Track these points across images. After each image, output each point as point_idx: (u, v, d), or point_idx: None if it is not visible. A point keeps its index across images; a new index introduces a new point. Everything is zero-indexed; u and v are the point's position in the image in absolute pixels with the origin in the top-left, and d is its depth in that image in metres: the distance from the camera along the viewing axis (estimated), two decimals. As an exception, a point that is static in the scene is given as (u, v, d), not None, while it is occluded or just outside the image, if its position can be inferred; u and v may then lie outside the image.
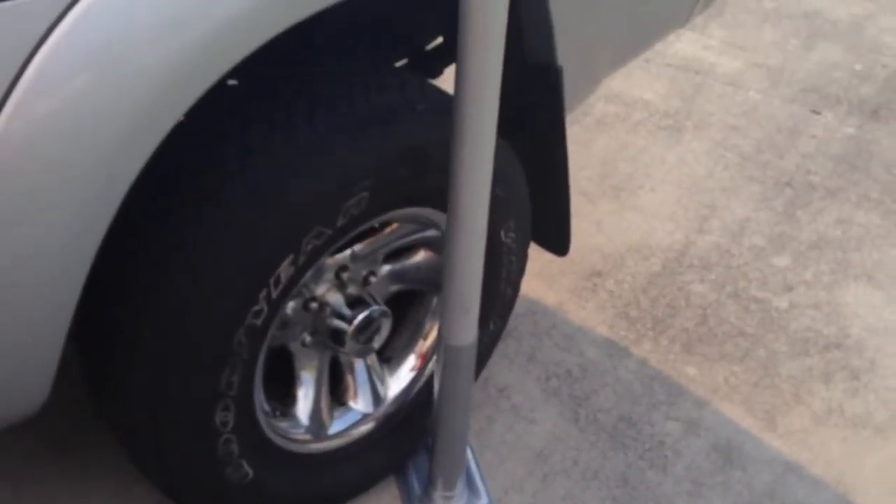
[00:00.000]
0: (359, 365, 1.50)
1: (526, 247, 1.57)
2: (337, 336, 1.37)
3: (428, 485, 1.54)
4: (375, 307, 1.38)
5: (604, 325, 1.94)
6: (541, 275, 2.03)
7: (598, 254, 2.12)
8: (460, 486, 1.55)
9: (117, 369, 1.17)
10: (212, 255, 1.11)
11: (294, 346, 1.38)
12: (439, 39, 1.68)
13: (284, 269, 1.17)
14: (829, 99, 2.73)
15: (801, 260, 2.13)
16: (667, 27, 1.78)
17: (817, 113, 2.67)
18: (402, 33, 1.62)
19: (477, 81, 1.10)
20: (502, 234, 1.47)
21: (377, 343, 1.42)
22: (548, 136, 1.50)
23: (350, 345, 1.36)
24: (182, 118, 0.99)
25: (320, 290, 1.35)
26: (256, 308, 1.16)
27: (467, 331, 1.34)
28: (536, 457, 1.66)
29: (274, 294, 1.18)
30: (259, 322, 1.17)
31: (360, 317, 1.36)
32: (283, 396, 1.41)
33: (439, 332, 1.36)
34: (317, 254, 1.21)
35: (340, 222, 1.20)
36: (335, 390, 1.49)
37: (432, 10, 1.39)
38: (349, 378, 1.50)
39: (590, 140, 2.51)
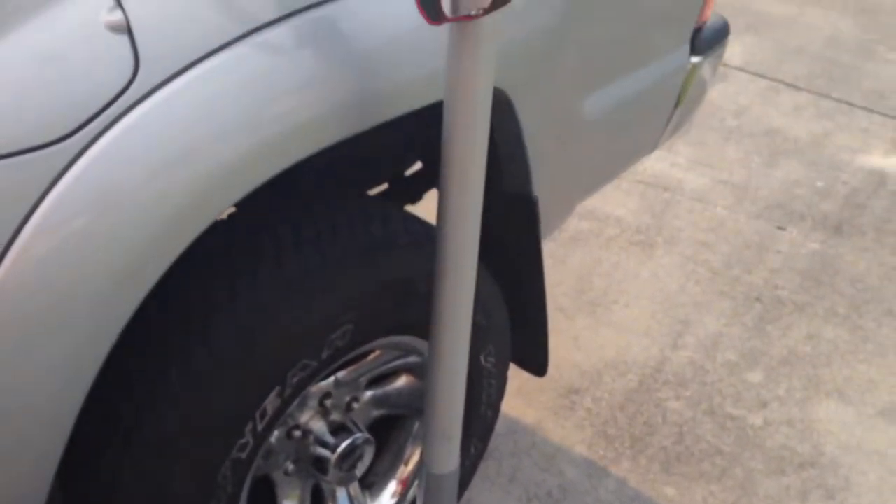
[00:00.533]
0: (341, 493, 1.50)
1: (506, 369, 1.60)
2: (320, 464, 1.37)
3: None
4: (359, 435, 1.39)
5: (583, 443, 1.95)
6: (520, 392, 2.05)
7: (576, 370, 2.15)
8: None
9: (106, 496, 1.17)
10: (198, 391, 1.12)
11: (277, 475, 1.38)
12: (418, 165, 1.75)
13: (270, 402, 1.19)
14: (793, 215, 2.83)
15: (774, 376, 2.18)
16: (638, 154, 1.86)
17: (782, 229, 2.76)
18: (383, 161, 1.68)
19: (458, 216, 1.15)
20: (482, 358, 1.50)
21: (360, 470, 1.42)
22: (525, 263, 1.55)
23: (333, 473, 1.37)
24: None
25: (304, 417, 1.36)
26: (242, 441, 1.17)
27: (449, 458, 1.35)
28: (518, 582, 1.65)
29: (259, 427, 1.19)
30: (244, 455, 1.18)
31: (344, 445, 1.37)
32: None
33: (421, 459, 1.37)
34: (302, 385, 1.23)
35: (325, 354, 1.23)
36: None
37: (412, 137, 1.46)
38: (330, 506, 1.50)
39: (565, 255, 2.57)
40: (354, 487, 1.51)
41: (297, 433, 1.36)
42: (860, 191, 2.97)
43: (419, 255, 1.29)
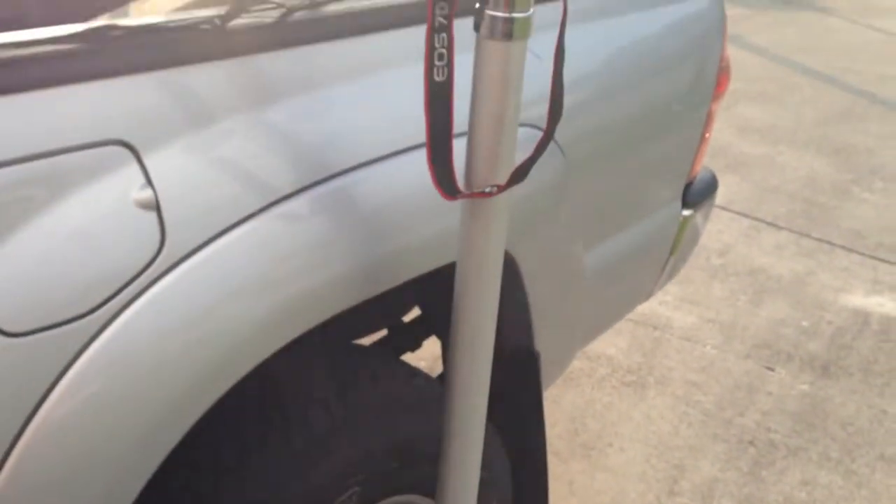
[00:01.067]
0: None
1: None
2: None
3: None
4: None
5: None
6: None
7: (571, 517, 2.12)
8: None
9: None
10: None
11: None
12: (416, 311, 1.77)
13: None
14: (780, 355, 2.86)
15: (772, 524, 2.16)
16: (635, 302, 1.90)
17: (771, 369, 2.79)
18: (384, 309, 1.71)
19: (468, 377, 1.17)
20: (485, 514, 1.49)
21: None
22: (526, 416, 1.56)
23: None
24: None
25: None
26: None
27: None
28: None
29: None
30: None
31: None
32: None
33: None
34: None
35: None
36: None
37: (411, 284, 1.49)
38: None
39: (558, 396, 2.58)
40: None
41: None
42: (845, 330, 3.02)
43: (427, 414, 1.30)
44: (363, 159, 1.12)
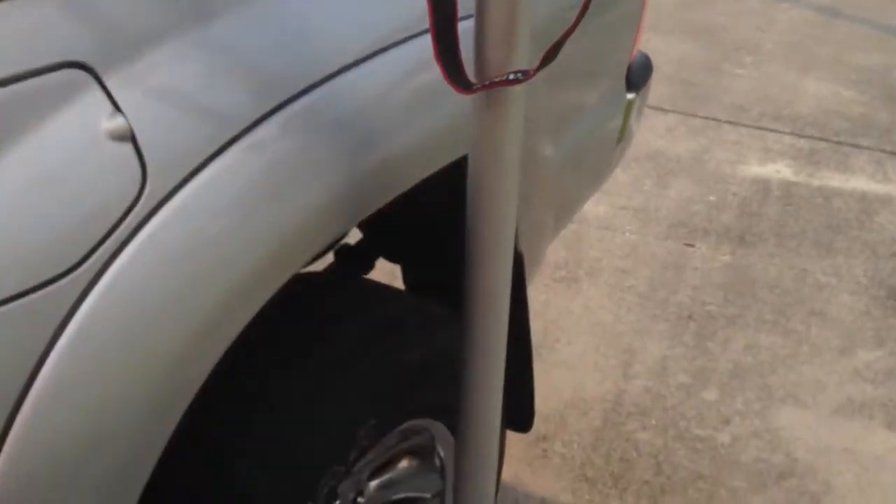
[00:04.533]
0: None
1: (504, 436, 1.53)
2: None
3: None
4: (378, 529, 1.29)
5: (566, 491, 1.90)
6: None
7: (538, 416, 2.10)
8: None
9: None
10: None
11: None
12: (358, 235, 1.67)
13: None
14: (697, 231, 2.91)
15: (728, 391, 2.21)
16: (591, 192, 1.86)
17: (691, 245, 2.84)
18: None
19: (488, 284, 1.07)
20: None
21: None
22: (514, 316, 1.50)
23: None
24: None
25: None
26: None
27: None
28: None
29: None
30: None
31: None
32: None
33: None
34: (332, 496, 1.12)
35: (353, 455, 1.13)
36: None
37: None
38: None
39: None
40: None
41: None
42: (750, 199, 3.10)
43: (430, 335, 1.22)
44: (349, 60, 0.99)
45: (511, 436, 2.02)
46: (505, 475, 1.92)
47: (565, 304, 2.54)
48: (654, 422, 2.10)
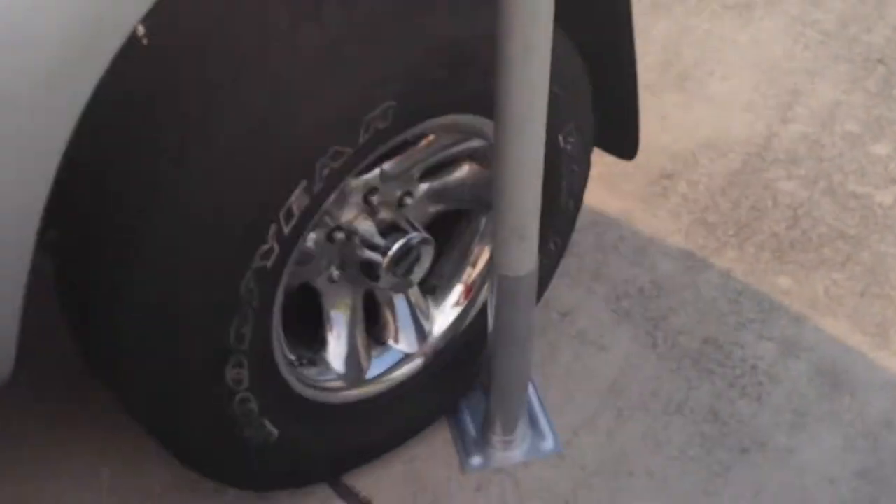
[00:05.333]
0: (398, 299, 1.30)
1: (589, 152, 1.33)
2: (370, 269, 1.16)
3: (484, 427, 1.35)
4: (414, 234, 1.17)
5: (678, 233, 1.70)
6: (601, 180, 1.78)
7: (666, 153, 1.86)
8: (522, 428, 1.36)
9: (107, 326, 0.98)
10: (203, 190, 0.89)
11: (320, 283, 1.18)
12: None
13: (297, 200, 0.95)
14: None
15: (904, 146, 1.85)
16: None
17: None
18: None
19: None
20: (560, 139, 1.23)
21: (418, 275, 1.21)
22: (613, 22, 1.25)
23: (386, 279, 1.16)
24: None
25: (346, 216, 1.14)
26: (265, 248, 0.95)
27: (525, 259, 1.12)
28: (609, 389, 1.45)
29: (286, 230, 0.96)
30: (270, 263, 0.97)
31: (396, 246, 1.15)
32: (312, 340, 1.22)
33: (492, 260, 1.14)
34: (337, 178, 0.99)
35: (364, 139, 0.98)
36: (372, 328, 1.29)
37: None
38: (388, 314, 1.30)
39: (647, 25, 2.21)
40: (414, 293, 1.31)
41: (341, 235, 1.14)
42: None
43: (471, 11, 1.01)
44: None
45: (627, 170, 1.81)
46: (614, 211, 1.75)
47: (731, 34, 2.18)
48: (803, 172, 1.81)
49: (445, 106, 1.07)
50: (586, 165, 1.33)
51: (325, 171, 0.96)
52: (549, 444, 1.38)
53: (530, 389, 1.43)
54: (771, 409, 1.41)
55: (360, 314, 1.24)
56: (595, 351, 1.50)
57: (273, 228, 0.94)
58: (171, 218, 0.89)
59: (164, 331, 0.94)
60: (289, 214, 0.95)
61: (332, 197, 1.02)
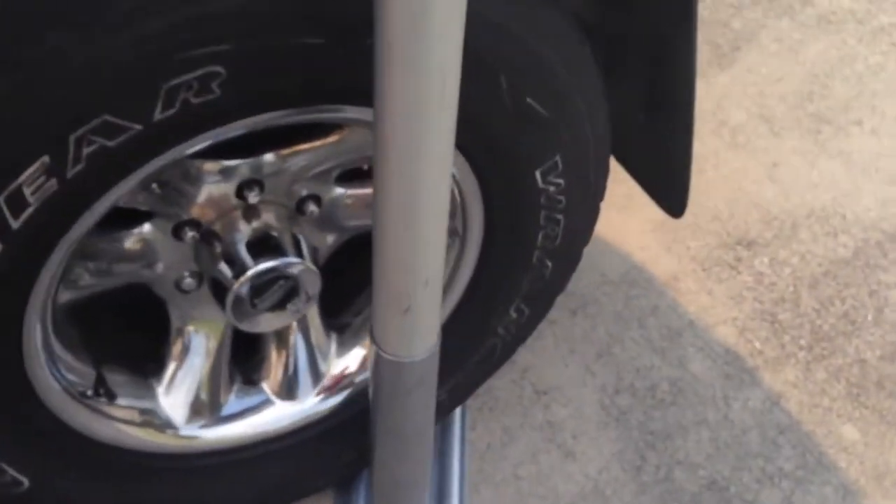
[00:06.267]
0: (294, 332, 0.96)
1: (590, 200, 0.93)
2: (217, 290, 0.83)
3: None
4: (293, 259, 0.82)
5: (732, 324, 1.27)
6: (661, 227, 1.37)
7: (758, 211, 1.42)
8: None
9: None
10: None
11: (164, 290, 0.86)
12: None
13: (32, 181, 0.62)
14: None
15: None
16: None
17: None
18: None
19: None
20: (538, 177, 0.84)
21: (294, 315, 0.86)
22: (672, 51, 0.85)
23: (236, 310, 0.82)
24: None
25: (203, 211, 0.81)
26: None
27: (412, 340, 0.76)
28: (564, 513, 1.08)
29: (14, 223, 0.63)
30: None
31: (256, 269, 0.81)
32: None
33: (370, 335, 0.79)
34: (116, 159, 0.65)
35: (161, 114, 0.63)
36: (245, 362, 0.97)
37: None
38: (270, 348, 0.97)
39: (800, 43, 1.74)
40: (316, 328, 0.97)
41: (191, 233, 0.82)
42: None
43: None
44: None
45: (701, 223, 1.40)
46: (660, 271, 1.35)
47: (877, 59, 1.68)
48: (932, 285, 1.33)
49: (328, 91, 0.70)
50: (582, 217, 0.93)
51: (89, 149, 0.62)
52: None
53: (454, 485, 1.07)
54: None
55: (228, 346, 0.92)
56: (559, 457, 1.12)
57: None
58: None
59: None
60: (16, 200, 0.62)
61: (127, 183, 0.68)
